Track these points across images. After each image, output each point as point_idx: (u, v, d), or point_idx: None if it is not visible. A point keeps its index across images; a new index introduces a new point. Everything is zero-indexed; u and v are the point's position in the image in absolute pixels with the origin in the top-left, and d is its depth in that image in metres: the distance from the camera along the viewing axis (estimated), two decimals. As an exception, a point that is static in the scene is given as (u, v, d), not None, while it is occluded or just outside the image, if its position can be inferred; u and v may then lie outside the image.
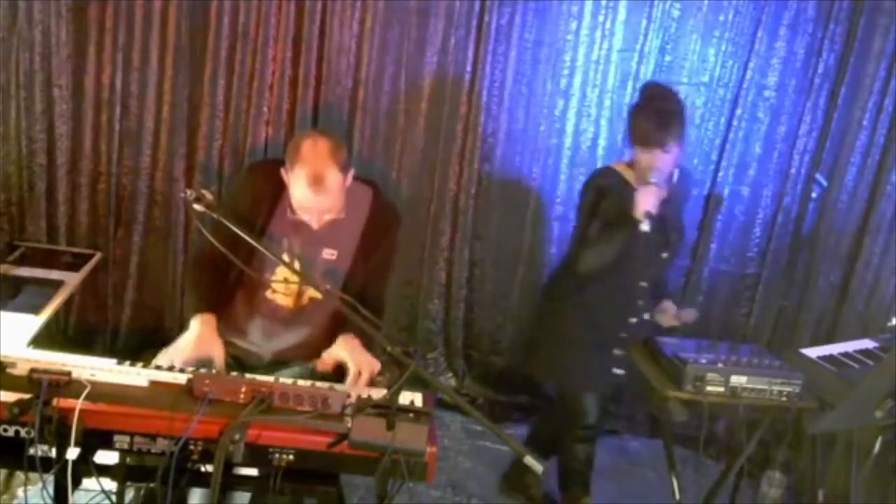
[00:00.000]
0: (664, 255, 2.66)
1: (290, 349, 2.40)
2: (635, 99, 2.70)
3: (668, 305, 2.72)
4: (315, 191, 2.15)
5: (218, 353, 2.18)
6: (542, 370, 2.96)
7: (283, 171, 2.22)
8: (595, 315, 2.63)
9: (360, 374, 2.11)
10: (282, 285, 2.35)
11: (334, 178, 2.16)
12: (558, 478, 2.92)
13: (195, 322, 2.22)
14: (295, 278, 2.31)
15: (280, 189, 2.25)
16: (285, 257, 2.28)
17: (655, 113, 2.51)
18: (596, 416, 2.78)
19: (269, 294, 2.37)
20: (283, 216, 2.28)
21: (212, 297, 2.32)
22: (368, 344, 2.23)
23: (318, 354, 2.32)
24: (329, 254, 2.34)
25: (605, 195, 2.56)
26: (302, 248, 2.30)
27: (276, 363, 2.39)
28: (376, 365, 2.12)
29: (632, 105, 2.69)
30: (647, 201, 2.41)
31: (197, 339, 2.18)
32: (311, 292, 2.37)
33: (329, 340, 2.31)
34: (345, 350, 2.17)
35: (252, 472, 1.91)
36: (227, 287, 2.38)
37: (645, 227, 2.39)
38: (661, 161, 2.48)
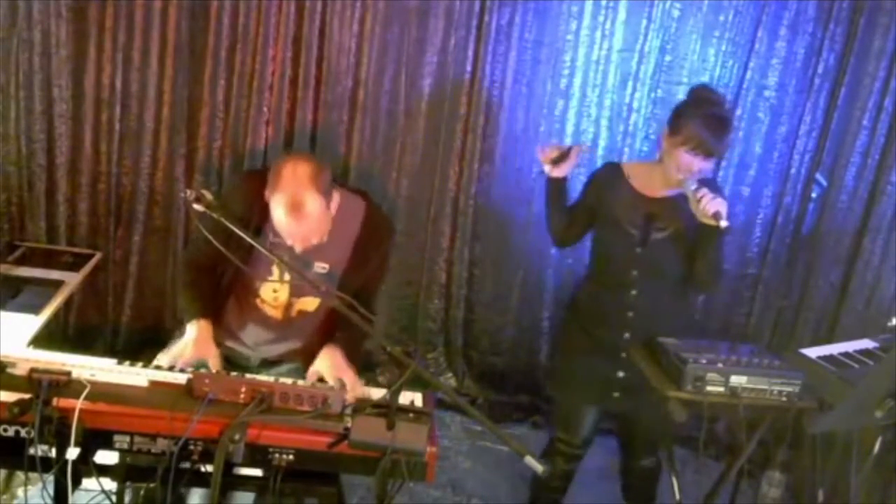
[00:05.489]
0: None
1: (280, 355, 2.42)
2: (684, 99, 2.51)
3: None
4: (294, 217, 2.12)
5: (214, 358, 2.19)
6: None
7: (266, 192, 2.19)
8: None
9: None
10: (271, 297, 2.35)
11: (314, 204, 2.13)
12: (530, 485, 2.89)
13: (192, 327, 2.24)
14: (284, 288, 2.31)
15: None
16: (275, 269, 2.27)
17: (710, 118, 2.33)
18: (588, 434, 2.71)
19: (258, 303, 2.37)
20: (272, 233, 2.25)
21: (207, 302, 2.32)
22: (353, 351, 2.23)
23: (309, 358, 2.32)
24: (321, 267, 2.34)
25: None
26: (292, 260, 2.27)
27: (267, 363, 2.41)
28: (357, 384, 2.11)
29: (680, 105, 2.48)
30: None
31: (194, 343, 2.19)
32: (299, 306, 2.38)
33: (320, 348, 2.30)
34: (325, 366, 2.17)
35: (252, 472, 1.92)
36: (219, 293, 2.38)
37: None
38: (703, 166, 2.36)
